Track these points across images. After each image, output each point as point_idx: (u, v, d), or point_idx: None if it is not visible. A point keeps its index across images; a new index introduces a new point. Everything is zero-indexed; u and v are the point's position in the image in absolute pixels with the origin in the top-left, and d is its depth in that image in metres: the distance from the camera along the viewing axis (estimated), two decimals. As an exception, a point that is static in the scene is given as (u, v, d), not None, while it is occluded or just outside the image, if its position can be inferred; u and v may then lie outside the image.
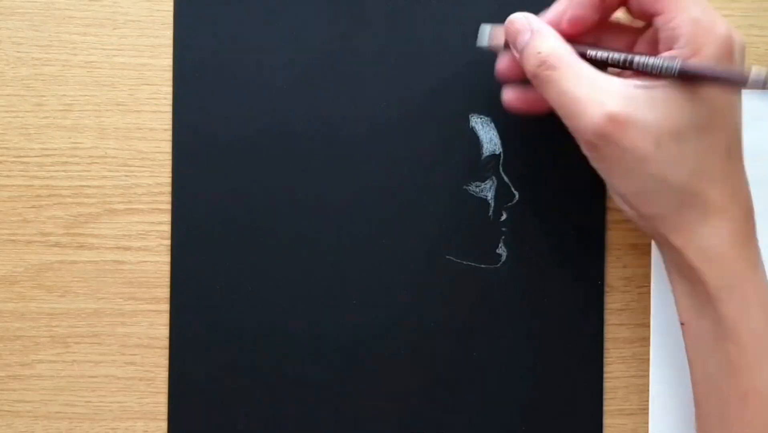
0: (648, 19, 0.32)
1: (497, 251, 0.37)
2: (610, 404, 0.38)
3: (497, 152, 0.37)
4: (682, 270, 0.32)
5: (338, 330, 0.37)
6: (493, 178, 0.37)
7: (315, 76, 0.37)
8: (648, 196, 0.31)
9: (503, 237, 0.37)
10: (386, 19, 0.37)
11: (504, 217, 0.37)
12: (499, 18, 0.33)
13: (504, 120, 0.37)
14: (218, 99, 0.37)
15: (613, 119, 0.29)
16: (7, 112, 0.37)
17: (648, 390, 0.38)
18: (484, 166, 0.37)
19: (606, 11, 0.33)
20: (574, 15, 0.32)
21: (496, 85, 0.35)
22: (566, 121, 0.31)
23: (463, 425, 0.37)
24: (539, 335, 0.37)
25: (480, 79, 0.37)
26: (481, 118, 0.37)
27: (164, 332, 0.37)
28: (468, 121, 0.37)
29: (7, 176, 0.37)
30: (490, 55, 0.35)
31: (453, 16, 0.37)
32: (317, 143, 0.37)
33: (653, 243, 0.37)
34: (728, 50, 0.30)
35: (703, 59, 0.29)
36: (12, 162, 0.37)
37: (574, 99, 0.30)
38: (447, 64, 0.37)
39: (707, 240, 0.31)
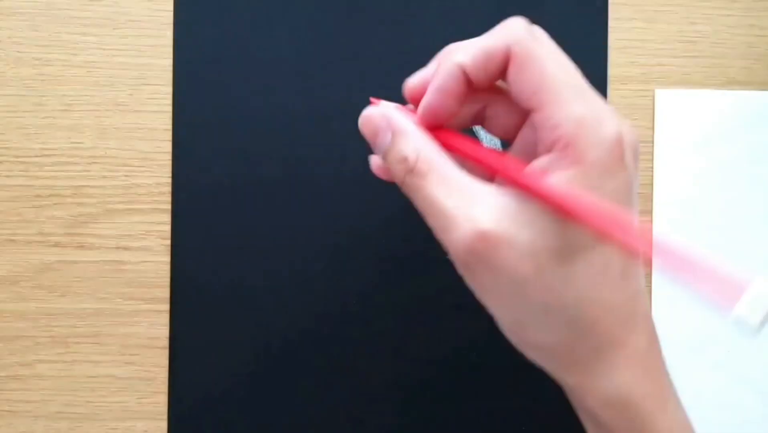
0: (526, 115, 0.27)
1: (497, 251, 0.37)
2: (609, 404, 0.38)
3: (497, 152, 0.37)
4: (585, 411, 0.27)
5: (338, 330, 0.37)
6: (493, 178, 0.37)
7: (314, 76, 0.37)
8: (530, 326, 0.26)
9: (503, 237, 0.37)
10: (386, 18, 0.37)
11: (504, 217, 0.37)
12: (498, 17, 0.33)
13: (504, 120, 0.37)
14: (218, 99, 0.37)
15: (484, 238, 0.24)
16: (7, 112, 0.37)
17: (648, 390, 0.38)
18: (484, 167, 0.37)
19: (475, 101, 0.28)
20: (431, 104, 0.27)
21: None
22: (436, 235, 0.26)
23: (463, 425, 0.37)
24: (539, 335, 0.37)
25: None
26: (481, 119, 0.37)
27: (164, 332, 0.37)
28: (468, 121, 0.37)
29: (7, 176, 0.37)
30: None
31: (453, 15, 0.37)
32: (317, 143, 0.37)
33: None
34: (617, 155, 0.24)
35: (586, 168, 0.24)
36: (12, 162, 0.37)
37: (442, 211, 0.25)
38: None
39: (606, 380, 0.25)
